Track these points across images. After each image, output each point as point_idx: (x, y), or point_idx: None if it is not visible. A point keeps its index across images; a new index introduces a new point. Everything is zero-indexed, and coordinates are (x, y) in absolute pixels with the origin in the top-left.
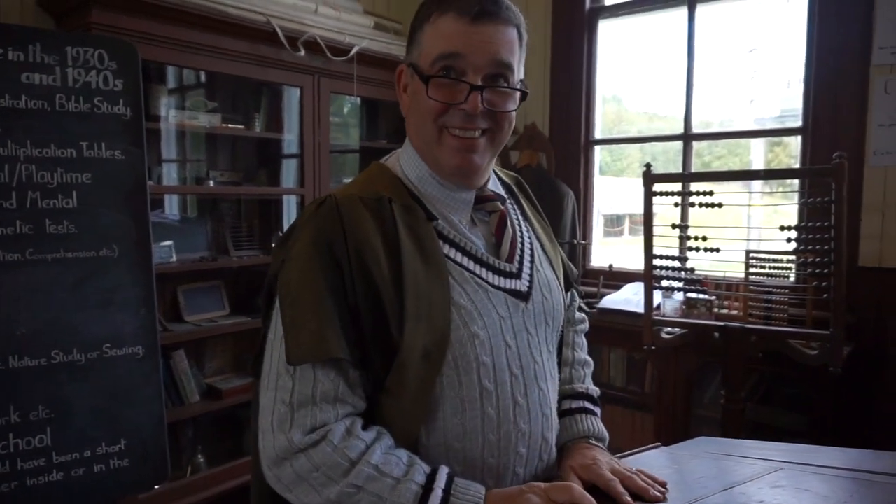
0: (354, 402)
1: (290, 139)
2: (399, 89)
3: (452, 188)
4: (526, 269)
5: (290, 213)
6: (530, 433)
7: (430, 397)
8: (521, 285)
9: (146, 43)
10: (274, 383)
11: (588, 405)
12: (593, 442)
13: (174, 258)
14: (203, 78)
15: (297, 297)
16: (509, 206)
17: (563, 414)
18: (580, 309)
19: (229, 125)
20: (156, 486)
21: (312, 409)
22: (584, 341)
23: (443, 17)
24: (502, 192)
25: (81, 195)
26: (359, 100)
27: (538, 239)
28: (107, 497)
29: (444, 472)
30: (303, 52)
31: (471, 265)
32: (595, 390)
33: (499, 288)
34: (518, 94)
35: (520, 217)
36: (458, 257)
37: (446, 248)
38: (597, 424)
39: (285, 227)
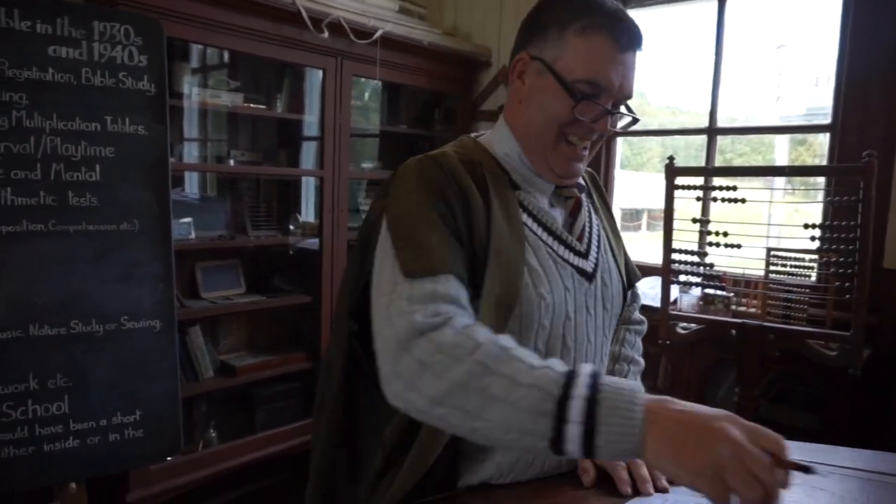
0: (471, 313)
1: (310, 121)
2: (513, 74)
3: (534, 172)
4: (593, 252)
5: (308, 194)
6: None
7: None
8: (588, 265)
9: (171, 20)
10: (389, 288)
11: None
12: None
13: (193, 235)
14: (226, 57)
15: (413, 220)
16: (584, 196)
17: None
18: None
19: (251, 105)
20: (168, 458)
21: (433, 303)
22: (636, 341)
23: (595, 36)
24: (581, 182)
25: (104, 169)
26: (380, 84)
27: (605, 230)
28: (120, 465)
29: (586, 369)
30: (326, 34)
31: (544, 236)
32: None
33: (567, 262)
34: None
35: (591, 208)
36: (534, 227)
37: (524, 217)
38: None
39: (303, 208)
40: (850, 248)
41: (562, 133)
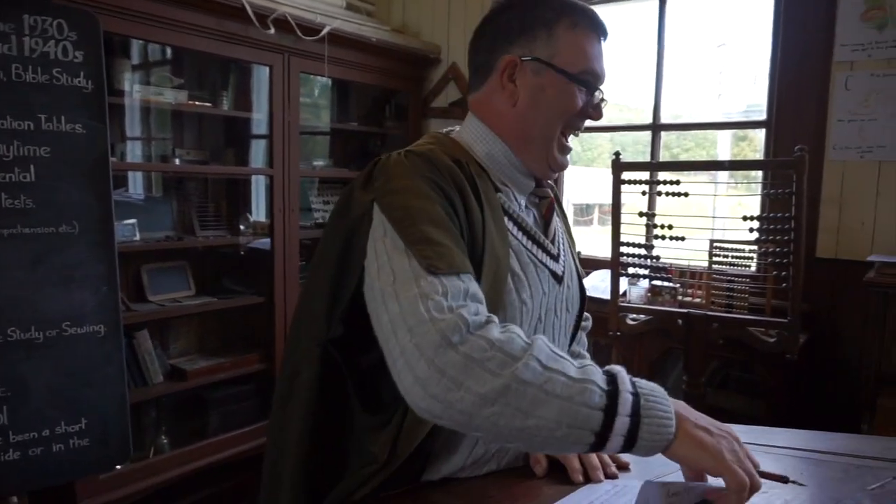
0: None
1: (258, 118)
2: (502, 78)
3: (523, 172)
4: (562, 255)
5: (258, 193)
6: None
7: None
8: (559, 268)
9: (108, 14)
10: (412, 283)
11: None
12: None
13: (138, 237)
14: (169, 53)
15: (424, 216)
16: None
17: None
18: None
19: (196, 102)
20: (117, 467)
21: (467, 300)
22: (583, 338)
23: (584, 30)
24: (551, 182)
25: (39, 169)
26: (329, 81)
27: (565, 232)
28: (66, 476)
29: (623, 373)
30: (272, 31)
31: (524, 239)
32: None
33: (545, 266)
34: None
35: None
36: (515, 230)
37: (506, 220)
38: None
39: (254, 207)
40: (786, 238)
41: (564, 127)
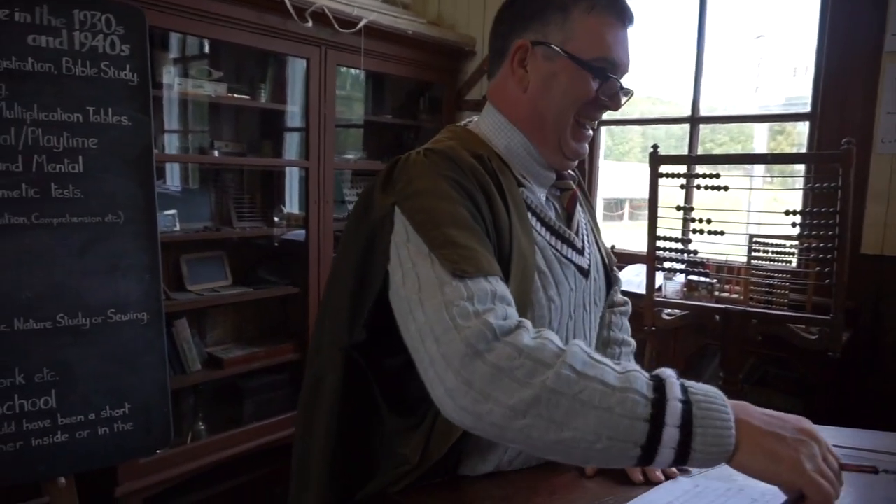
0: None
1: (294, 111)
2: (513, 63)
3: (542, 164)
4: (587, 247)
5: (292, 185)
6: None
7: None
8: (584, 262)
9: (152, 8)
10: (437, 290)
11: None
12: None
13: (178, 227)
14: (208, 47)
15: (447, 219)
16: (577, 189)
17: None
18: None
19: (234, 95)
20: (157, 452)
21: (495, 303)
22: (624, 323)
23: (602, 14)
24: (572, 173)
25: (87, 160)
26: (364, 73)
27: (589, 222)
28: (110, 459)
29: (673, 378)
30: (310, 23)
31: (547, 236)
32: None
33: (570, 261)
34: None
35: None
36: (538, 226)
37: (529, 216)
38: None
39: (287, 199)
40: (830, 234)
41: (577, 116)
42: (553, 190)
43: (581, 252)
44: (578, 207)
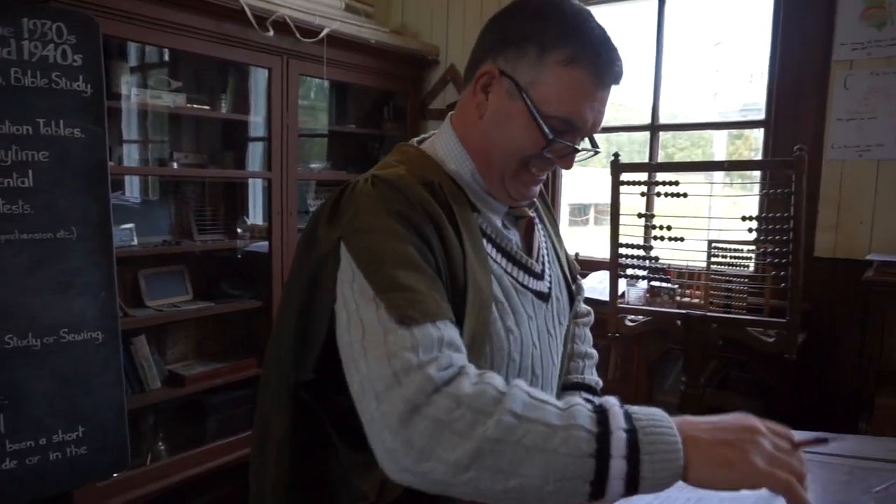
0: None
1: (257, 121)
2: (476, 85)
3: (490, 194)
4: (547, 270)
5: (256, 196)
6: None
7: None
8: (544, 286)
9: (107, 17)
10: (381, 340)
11: (587, 396)
12: None
13: (135, 241)
14: (167, 56)
15: (392, 257)
16: (533, 212)
17: None
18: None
19: (194, 105)
20: (115, 474)
21: (441, 351)
22: (587, 334)
23: (578, 70)
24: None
25: (38, 174)
26: (327, 83)
27: (550, 237)
28: (64, 485)
29: (616, 404)
30: (271, 33)
31: (504, 263)
32: (595, 380)
33: (527, 288)
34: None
35: (537, 217)
36: (494, 254)
37: (485, 243)
38: None
39: (251, 210)
40: (785, 238)
41: (525, 164)
42: (508, 216)
43: (540, 276)
44: (538, 227)
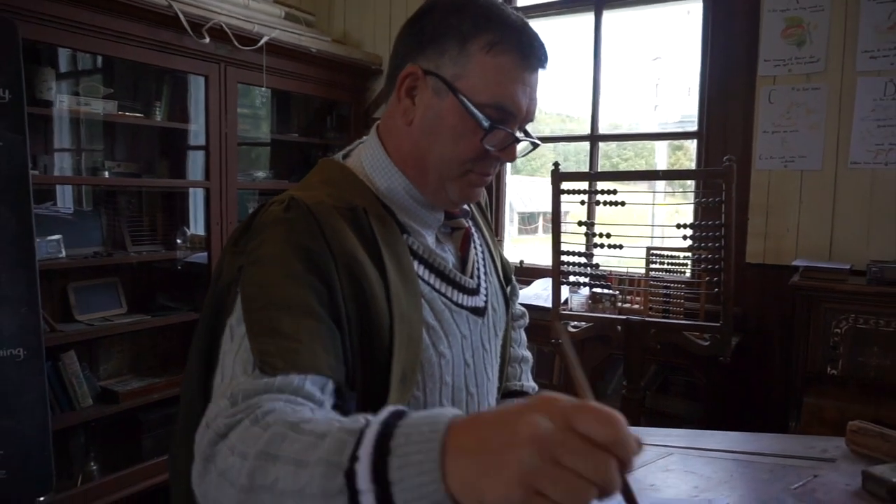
0: (311, 404)
1: (195, 130)
2: (400, 90)
3: (426, 206)
4: (482, 284)
5: (196, 206)
6: None
7: None
8: (479, 301)
9: (28, 20)
10: (227, 384)
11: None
12: None
13: (63, 253)
14: (99, 62)
15: (278, 299)
16: (469, 222)
17: None
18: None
19: (126, 113)
20: (40, 499)
21: (262, 397)
22: (522, 336)
23: (503, 55)
24: (466, 207)
25: None
26: (269, 91)
27: (487, 244)
28: None
29: (384, 413)
30: (207, 40)
31: (437, 283)
32: (531, 386)
33: (462, 306)
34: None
35: (473, 227)
36: (426, 275)
37: (416, 265)
38: None
39: (192, 220)
40: (717, 245)
41: (465, 166)
42: (444, 228)
43: (475, 292)
44: (474, 239)
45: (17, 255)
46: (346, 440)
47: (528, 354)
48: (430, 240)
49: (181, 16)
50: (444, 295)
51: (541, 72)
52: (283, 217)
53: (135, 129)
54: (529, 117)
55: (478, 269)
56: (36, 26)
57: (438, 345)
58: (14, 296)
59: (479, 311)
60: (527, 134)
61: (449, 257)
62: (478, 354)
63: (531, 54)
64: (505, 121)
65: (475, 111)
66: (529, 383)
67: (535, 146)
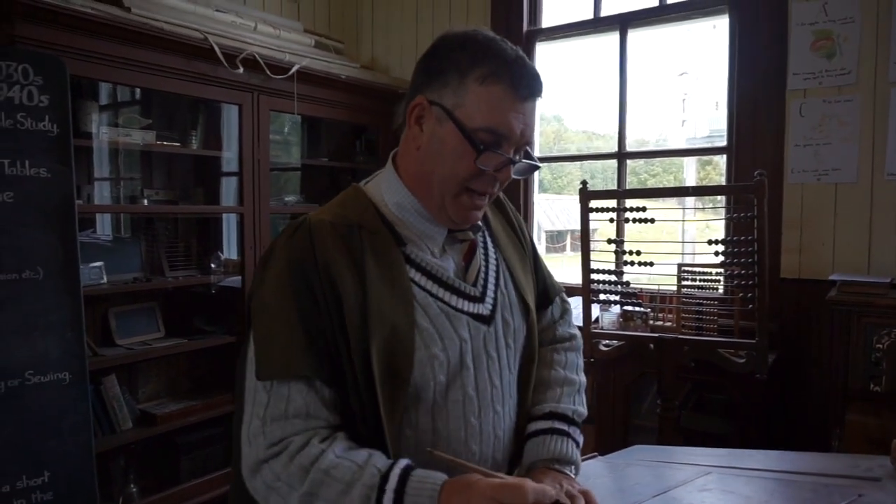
0: (327, 418)
1: (229, 157)
2: (411, 119)
3: (430, 220)
4: (490, 293)
5: (230, 231)
6: (480, 453)
7: (393, 414)
8: (484, 309)
9: (75, 58)
10: (252, 397)
11: (558, 425)
12: (555, 466)
13: (105, 279)
14: (138, 94)
15: (269, 316)
16: (479, 236)
17: (530, 435)
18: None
19: (164, 143)
20: None
21: (283, 424)
22: (567, 358)
23: (495, 85)
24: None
25: (3, 214)
26: (300, 117)
27: (505, 259)
28: None
29: (397, 469)
30: (241, 70)
31: (434, 289)
32: (570, 409)
33: (462, 311)
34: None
35: (489, 242)
36: (423, 281)
37: (413, 272)
38: (561, 446)
39: (225, 245)
40: (750, 260)
41: (464, 186)
42: (453, 241)
43: (479, 299)
44: (479, 251)
45: (63, 283)
46: (367, 494)
47: (575, 377)
48: (436, 250)
49: (216, 48)
50: (440, 299)
51: (538, 100)
52: (290, 239)
53: (171, 158)
54: (525, 141)
55: (483, 278)
56: (81, 62)
57: (431, 347)
58: (60, 322)
59: (483, 319)
60: (526, 155)
61: (450, 265)
62: (479, 360)
63: (521, 84)
64: (498, 144)
65: (469, 134)
66: (569, 405)
67: (535, 168)
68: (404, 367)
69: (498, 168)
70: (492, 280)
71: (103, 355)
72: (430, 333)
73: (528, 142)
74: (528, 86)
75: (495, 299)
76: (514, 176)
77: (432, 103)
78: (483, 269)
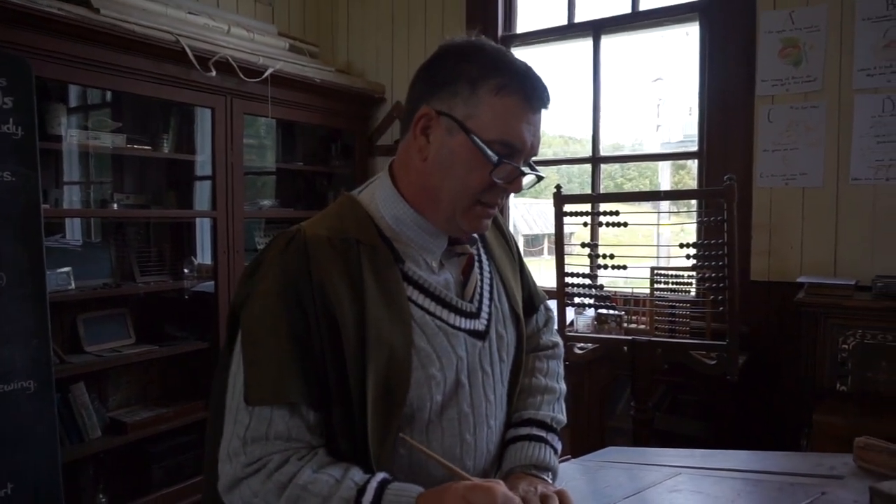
0: (310, 441)
1: (202, 161)
2: (416, 129)
3: (431, 232)
4: (485, 308)
5: (203, 236)
6: (474, 469)
7: (386, 434)
8: (480, 324)
9: (42, 59)
10: (234, 416)
11: (536, 431)
12: (532, 472)
13: (73, 285)
14: (108, 97)
15: (259, 336)
16: (475, 249)
17: (508, 441)
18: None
19: (135, 146)
20: None
21: (264, 444)
22: (549, 366)
23: (509, 97)
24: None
25: None
26: (274, 121)
27: (499, 270)
28: None
29: (374, 482)
30: (214, 73)
31: (432, 307)
32: (549, 416)
33: (459, 329)
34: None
35: (483, 254)
36: (421, 300)
37: (410, 290)
38: (539, 452)
39: (199, 250)
40: (721, 263)
41: (475, 197)
42: (450, 255)
43: (475, 315)
44: (477, 265)
45: (28, 289)
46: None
47: (556, 385)
48: (434, 264)
49: (188, 50)
50: (438, 318)
51: (543, 112)
52: (282, 253)
53: (143, 162)
54: (533, 152)
55: (479, 293)
56: (48, 64)
57: (429, 367)
58: (25, 329)
59: (478, 335)
60: (532, 167)
61: (448, 280)
62: (475, 376)
63: (534, 96)
64: (511, 156)
65: (484, 147)
66: (548, 412)
67: (540, 179)
68: (400, 389)
69: (510, 180)
70: (486, 293)
71: (71, 363)
72: (427, 354)
73: (535, 153)
74: (539, 97)
75: (490, 314)
76: (526, 188)
77: (440, 114)
78: (479, 282)
